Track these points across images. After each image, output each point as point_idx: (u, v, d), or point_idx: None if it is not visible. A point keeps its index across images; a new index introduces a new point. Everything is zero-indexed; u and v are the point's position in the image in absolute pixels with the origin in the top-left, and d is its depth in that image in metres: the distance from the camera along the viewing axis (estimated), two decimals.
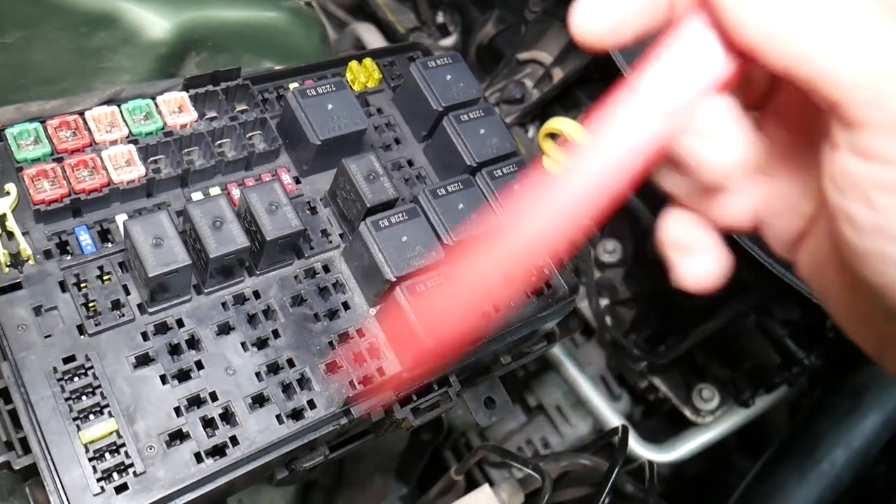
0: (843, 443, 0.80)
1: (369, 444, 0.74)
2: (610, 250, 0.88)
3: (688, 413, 0.84)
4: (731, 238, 0.61)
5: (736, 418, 0.88)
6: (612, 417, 0.86)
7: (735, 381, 0.82)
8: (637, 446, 0.85)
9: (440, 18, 1.01)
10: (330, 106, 0.52)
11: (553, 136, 0.78)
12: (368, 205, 0.50)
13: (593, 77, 0.86)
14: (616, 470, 0.59)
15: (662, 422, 1.00)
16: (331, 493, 0.75)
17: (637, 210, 0.85)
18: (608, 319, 0.87)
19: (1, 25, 0.57)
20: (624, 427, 0.65)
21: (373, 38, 1.01)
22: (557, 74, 0.83)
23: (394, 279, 0.49)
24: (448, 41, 1.00)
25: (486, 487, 0.66)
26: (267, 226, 0.46)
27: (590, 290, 0.87)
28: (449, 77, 0.57)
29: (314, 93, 0.52)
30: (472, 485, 0.75)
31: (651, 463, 0.66)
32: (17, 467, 0.41)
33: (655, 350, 0.82)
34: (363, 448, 0.73)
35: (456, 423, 0.89)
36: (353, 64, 0.60)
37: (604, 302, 0.88)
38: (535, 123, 0.89)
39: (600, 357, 0.96)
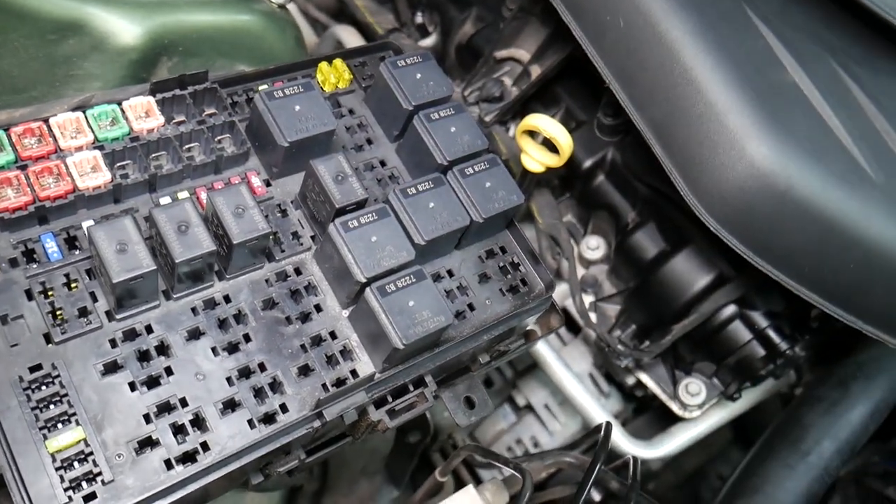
0: (831, 434, 0.79)
1: (354, 448, 0.73)
2: (593, 247, 0.88)
3: (675, 408, 0.84)
4: (709, 231, 0.61)
5: (724, 412, 0.87)
6: (600, 415, 0.86)
7: (720, 375, 0.81)
8: (625, 443, 0.84)
9: (419, 19, 1.01)
10: (297, 107, 0.52)
11: (532, 133, 0.79)
12: (337, 206, 0.50)
13: (571, 73, 0.85)
14: (598, 466, 0.59)
15: (652, 418, 1.00)
16: (316, 497, 0.75)
17: (620, 206, 0.85)
18: (593, 316, 0.86)
19: None
20: (607, 424, 0.65)
21: (353, 40, 1.00)
22: (535, 71, 0.82)
23: (364, 280, 0.48)
24: (427, 41, 0.99)
25: (469, 488, 0.66)
26: (233, 229, 0.46)
27: (573, 287, 0.87)
28: (419, 76, 0.57)
29: (281, 94, 0.52)
30: (460, 485, 0.74)
31: (635, 458, 0.65)
32: None
33: (640, 346, 0.81)
34: (347, 451, 0.72)
35: (443, 425, 0.88)
36: (324, 65, 0.59)
37: (588, 299, 0.88)
38: (515, 121, 0.88)
39: (587, 354, 0.96)
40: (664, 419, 0.92)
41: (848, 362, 0.84)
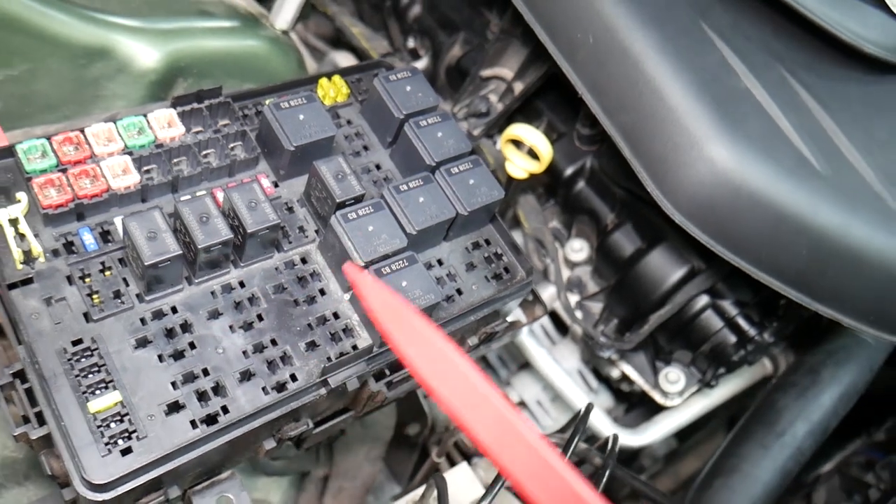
0: (804, 416, 0.85)
1: (357, 435, 0.79)
2: (577, 249, 0.94)
3: (657, 396, 0.89)
4: (678, 227, 0.68)
5: (704, 401, 0.93)
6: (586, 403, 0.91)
7: (697, 363, 0.87)
8: (610, 429, 0.90)
9: (411, 43, 1.08)
10: (301, 116, 0.59)
11: (516, 143, 0.85)
12: (338, 200, 0.56)
13: (551, 88, 0.93)
14: (576, 439, 0.64)
15: (639, 412, 1.05)
16: (323, 482, 0.80)
17: (599, 210, 0.92)
18: (579, 314, 0.92)
19: (8, 59, 0.64)
20: (589, 404, 0.71)
21: (349, 65, 1.08)
22: (518, 88, 0.89)
23: (363, 264, 0.55)
24: (419, 64, 1.07)
25: (464, 465, 0.72)
26: (248, 220, 0.53)
27: (559, 287, 0.93)
28: (409, 88, 0.64)
29: (287, 105, 0.59)
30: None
31: (615, 436, 0.71)
32: (34, 437, 0.47)
33: (622, 337, 0.87)
34: (351, 439, 0.78)
35: (440, 418, 0.94)
36: (324, 81, 0.66)
37: (574, 298, 0.94)
38: (500, 134, 0.95)
39: (576, 352, 1.02)
40: (649, 412, 0.97)
41: (819, 350, 0.90)
